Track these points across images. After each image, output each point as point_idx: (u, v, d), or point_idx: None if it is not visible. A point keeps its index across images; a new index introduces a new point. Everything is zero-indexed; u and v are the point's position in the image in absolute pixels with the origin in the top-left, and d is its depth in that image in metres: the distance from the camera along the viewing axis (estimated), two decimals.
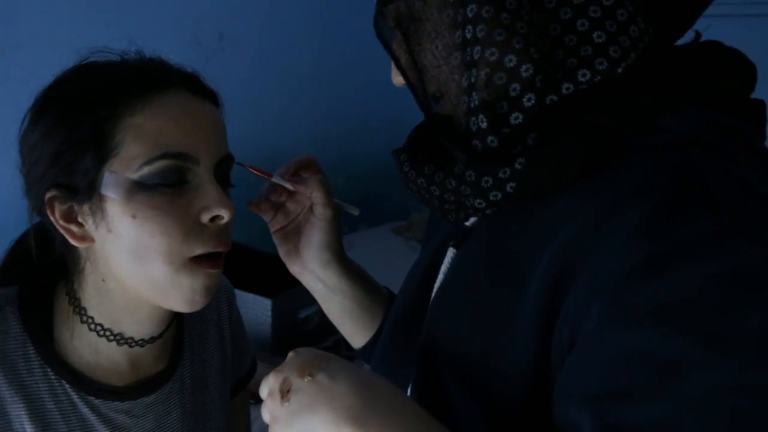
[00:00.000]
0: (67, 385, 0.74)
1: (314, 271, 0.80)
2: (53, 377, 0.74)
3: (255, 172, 0.79)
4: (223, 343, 0.91)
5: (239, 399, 0.97)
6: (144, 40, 0.75)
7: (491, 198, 0.54)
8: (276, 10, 2.17)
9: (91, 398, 0.76)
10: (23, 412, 0.72)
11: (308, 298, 1.33)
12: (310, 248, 0.79)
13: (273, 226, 0.81)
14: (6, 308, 0.73)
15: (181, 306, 0.71)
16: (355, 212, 0.82)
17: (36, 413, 0.73)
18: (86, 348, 0.76)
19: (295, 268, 0.81)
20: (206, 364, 0.88)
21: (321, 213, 0.78)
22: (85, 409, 0.75)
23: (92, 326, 0.75)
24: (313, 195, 0.78)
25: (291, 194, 0.80)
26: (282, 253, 0.81)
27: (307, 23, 2.26)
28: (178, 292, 0.70)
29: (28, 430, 0.73)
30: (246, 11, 2.09)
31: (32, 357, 0.73)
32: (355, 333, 0.84)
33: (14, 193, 0.73)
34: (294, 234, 0.80)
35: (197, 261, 0.70)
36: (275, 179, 0.79)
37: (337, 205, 0.80)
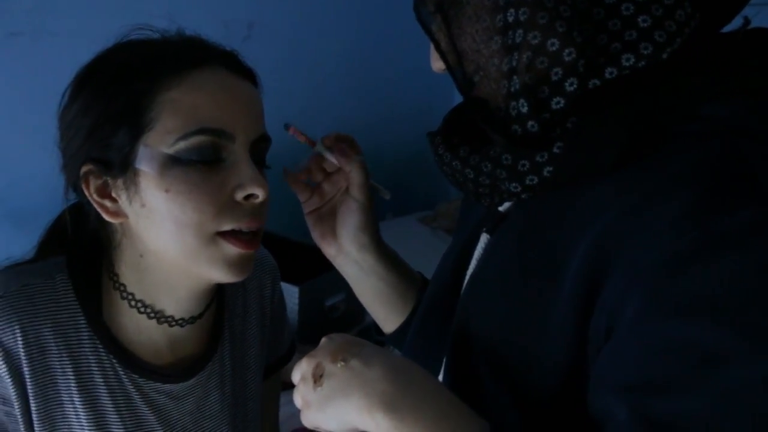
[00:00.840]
0: (114, 360, 0.75)
1: (350, 254, 0.79)
2: (102, 351, 0.75)
3: (299, 137, 0.77)
4: (263, 323, 0.91)
5: (271, 381, 0.97)
6: (173, 27, 0.75)
7: (527, 182, 0.53)
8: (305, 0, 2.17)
9: (136, 377, 0.76)
10: (73, 383, 0.73)
11: (334, 286, 1.34)
12: (348, 230, 0.78)
13: (307, 207, 0.80)
14: (57, 276, 0.74)
15: (220, 276, 0.71)
16: (387, 196, 0.81)
17: (84, 386, 0.74)
18: (128, 324, 0.76)
19: (330, 251, 0.80)
20: (247, 344, 0.89)
21: (358, 194, 0.77)
22: (130, 387, 0.76)
23: (132, 303, 0.76)
24: (352, 175, 0.77)
25: (328, 175, 0.79)
26: (316, 235, 0.80)
27: (336, 13, 2.26)
28: (213, 264, 0.70)
29: (77, 401, 0.74)
30: (275, 0, 2.10)
31: (83, 328, 0.74)
32: (387, 317, 0.83)
33: (55, 178, 0.74)
34: (329, 216, 0.79)
35: (226, 237, 0.69)
36: (318, 147, 0.78)
37: (374, 189, 0.79)
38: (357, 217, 0.77)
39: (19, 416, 0.72)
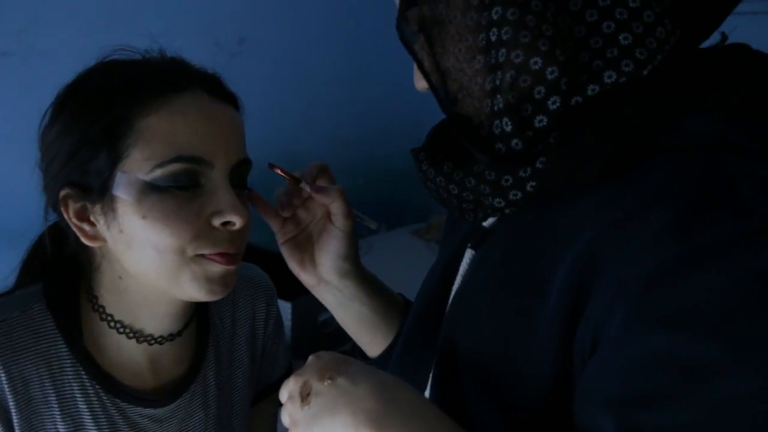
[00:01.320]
0: (97, 386, 0.75)
1: (331, 282, 0.78)
2: (85, 377, 0.74)
3: (283, 174, 0.77)
4: (254, 342, 0.91)
5: (267, 405, 0.96)
6: (164, 43, 0.75)
7: (511, 197, 0.53)
8: (296, 14, 2.18)
9: (118, 401, 0.76)
10: (56, 412, 0.73)
11: None
12: (329, 258, 0.77)
13: (282, 237, 0.79)
14: (35, 306, 0.74)
15: (199, 294, 0.70)
16: (374, 226, 0.80)
17: (69, 413, 0.74)
18: (109, 346, 0.76)
19: (310, 280, 0.79)
20: (235, 364, 0.88)
21: (342, 224, 0.76)
22: (113, 411, 0.76)
23: (111, 324, 0.75)
24: (334, 205, 0.75)
25: (303, 202, 0.79)
26: (293, 264, 0.79)
27: (326, 27, 2.27)
28: (193, 284, 0.69)
29: (61, 429, 0.73)
30: (266, 15, 2.11)
31: (64, 356, 0.74)
32: (371, 342, 0.83)
33: (39, 197, 0.74)
34: (306, 244, 0.79)
35: (207, 256, 0.69)
36: (303, 185, 0.77)
37: (355, 217, 0.78)
38: (339, 245, 0.76)
39: None
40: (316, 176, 0.78)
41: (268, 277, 0.94)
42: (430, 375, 0.64)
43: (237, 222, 0.69)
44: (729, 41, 0.56)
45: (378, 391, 0.53)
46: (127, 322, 0.76)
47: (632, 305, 0.46)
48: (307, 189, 0.77)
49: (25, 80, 1.60)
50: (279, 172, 0.77)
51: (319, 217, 0.78)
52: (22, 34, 1.61)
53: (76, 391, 0.74)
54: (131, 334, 0.76)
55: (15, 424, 0.71)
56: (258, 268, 0.94)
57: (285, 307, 1.59)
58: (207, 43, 1.96)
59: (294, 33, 2.19)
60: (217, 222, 0.69)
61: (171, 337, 0.79)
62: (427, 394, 0.64)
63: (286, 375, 0.96)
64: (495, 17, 0.51)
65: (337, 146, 2.34)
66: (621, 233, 0.48)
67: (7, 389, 0.70)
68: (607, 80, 0.50)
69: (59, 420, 0.73)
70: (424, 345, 0.67)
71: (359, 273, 0.79)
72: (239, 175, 0.72)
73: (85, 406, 0.74)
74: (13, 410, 0.71)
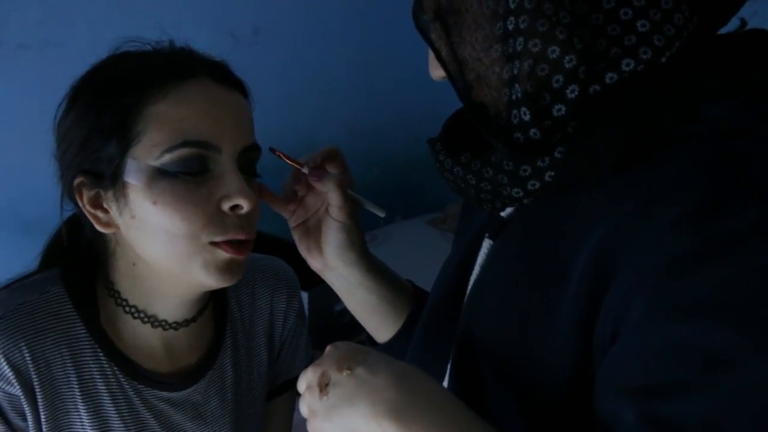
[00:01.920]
0: (115, 368, 0.76)
1: (337, 269, 0.79)
2: (103, 358, 0.76)
3: (286, 159, 0.77)
4: (272, 334, 0.91)
5: (284, 399, 0.96)
6: (179, 34, 0.76)
7: (529, 187, 0.53)
8: (310, 4, 2.18)
9: (136, 383, 0.78)
10: (77, 393, 0.75)
11: None
12: (331, 248, 0.77)
13: (293, 222, 0.80)
14: (51, 289, 0.75)
15: (210, 281, 0.71)
16: (381, 214, 0.79)
17: (88, 393, 0.75)
18: (125, 330, 0.78)
19: (316, 265, 0.80)
20: (252, 353, 0.89)
21: (337, 215, 0.76)
22: (131, 393, 0.77)
23: (127, 308, 0.77)
24: (329, 195, 0.75)
25: (310, 188, 0.78)
26: (302, 249, 0.80)
27: (341, 17, 2.27)
28: (204, 270, 0.70)
29: (81, 409, 0.75)
30: (281, 5, 2.11)
31: (83, 337, 0.75)
32: (379, 328, 0.83)
33: (56, 187, 0.75)
34: (315, 230, 0.79)
35: (219, 245, 0.70)
36: (305, 170, 0.77)
37: (361, 205, 0.78)
38: (339, 236, 0.76)
39: (32, 430, 0.73)
40: (322, 162, 0.78)
41: (293, 271, 0.95)
42: (449, 365, 0.64)
43: (245, 205, 0.70)
44: (749, 27, 0.55)
45: (397, 381, 0.53)
46: (141, 307, 0.77)
47: (652, 295, 0.45)
48: (305, 174, 0.77)
49: (42, 72, 1.61)
50: (281, 156, 0.77)
51: (322, 205, 0.78)
52: (39, 26, 1.62)
53: (95, 372, 0.76)
54: (146, 319, 0.77)
55: (39, 405, 0.73)
56: (283, 262, 0.95)
57: (301, 297, 1.60)
58: (222, 33, 1.96)
59: (309, 23, 2.19)
60: (225, 206, 0.70)
61: (185, 323, 0.80)
62: (445, 383, 0.65)
63: None
64: (512, 6, 0.50)
65: (352, 136, 2.34)
66: (640, 222, 0.48)
67: (31, 368, 0.72)
68: (625, 68, 0.50)
69: (80, 400, 0.75)
70: (443, 335, 0.67)
71: (364, 261, 0.79)
72: (248, 160, 0.73)
73: (104, 387, 0.76)
74: (37, 389, 0.73)
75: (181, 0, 1.84)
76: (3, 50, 1.60)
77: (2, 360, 0.71)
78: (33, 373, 0.72)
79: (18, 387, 0.71)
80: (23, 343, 0.72)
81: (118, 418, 0.77)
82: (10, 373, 0.71)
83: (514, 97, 0.52)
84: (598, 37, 0.50)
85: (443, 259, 0.77)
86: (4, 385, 0.71)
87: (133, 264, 0.74)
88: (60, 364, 0.74)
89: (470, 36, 0.54)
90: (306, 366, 0.95)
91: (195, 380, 0.82)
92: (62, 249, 0.79)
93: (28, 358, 0.72)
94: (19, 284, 0.76)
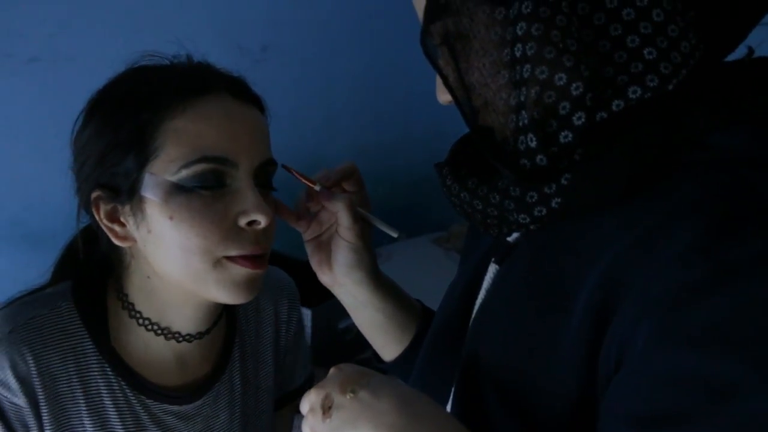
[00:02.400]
0: (123, 383, 0.76)
1: (345, 285, 0.79)
2: (110, 374, 0.76)
3: (299, 177, 0.77)
4: (278, 344, 0.92)
5: (286, 411, 0.96)
6: (189, 50, 0.76)
7: (536, 213, 0.53)
8: (319, 22, 2.19)
9: (144, 398, 0.78)
10: (83, 408, 0.75)
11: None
12: (340, 266, 0.77)
13: (307, 236, 0.80)
14: (62, 304, 0.76)
15: (225, 298, 0.72)
16: (394, 234, 0.79)
17: (94, 409, 0.75)
18: (136, 343, 0.78)
19: (326, 280, 0.80)
20: (260, 364, 0.89)
21: (345, 235, 0.76)
22: (138, 408, 0.77)
23: (140, 321, 0.77)
24: (338, 215, 0.76)
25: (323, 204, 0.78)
26: (313, 263, 0.80)
27: (349, 35, 2.28)
28: (220, 286, 0.71)
29: (87, 425, 0.75)
30: (289, 23, 2.12)
31: (90, 353, 0.75)
32: (386, 346, 0.83)
33: (71, 201, 0.75)
34: (327, 245, 0.79)
35: (233, 259, 0.70)
36: (317, 188, 0.77)
37: (374, 225, 0.79)
38: (348, 255, 0.76)
39: None
40: (335, 180, 0.78)
41: (291, 280, 0.95)
42: (452, 389, 0.64)
43: (262, 221, 0.70)
44: (757, 54, 0.55)
45: (400, 405, 0.53)
46: (155, 319, 0.77)
47: (657, 323, 0.45)
48: (315, 192, 0.77)
49: (53, 85, 1.63)
50: (295, 174, 0.77)
51: (334, 222, 0.78)
52: (50, 40, 1.64)
53: (102, 387, 0.75)
54: (159, 331, 0.77)
55: (44, 419, 0.73)
56: (282, 272, 0.96)
57: (305, 314, 1.60)
58: (231, 50, 1.97)
59: (316, 41, 2.20)
60: (242, 222, 0.70)
61: (199, 335, 0.80)
62: (448, 407, 0.64)
63: (308, 382, 0.97)
64: (519, 32, 0.50)
65: (358, 154, 2.34)
66: (646, 251, 0.48)
67: (37, 382, 0.72)
68: (631, 95, 0.50)
69: (85, 415, 0.75)
70: (447, 358, 0.67)
71: (373, 280, 0.79)
72: (264, 175, 0.74)
73: (110, 402, 0.76)
74: (42, 402, 0.73)
75: (190, 16, 1.86)
76: (15, 63, 1.61)
77: (9, 372, 0.71)
78: (38, 386, 0.72)
79: (23, 398, 0.72)
80: (30, 357, 0.72)
81: None
82: (16, 385, 0.71)
83: (521, 124, 0.52)
84: (605, 65, 0.50)
85: (447, 278, 0.77)
86: (10, 396, 0.71)
87: (148, 277, 0.75)
88: (66, 379, 0.74)
89: (478, 62, 0.54)
90: (307, 381, 0.96)
91: (204, 393, 0.82)
92: (75, 261, 0.79)
93: (33, 372, 0.72)
94: (30, 298, 0.77)
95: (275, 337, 0.91)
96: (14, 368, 0.71)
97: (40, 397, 0.72)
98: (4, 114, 1.61)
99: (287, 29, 2.12)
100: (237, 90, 0.73)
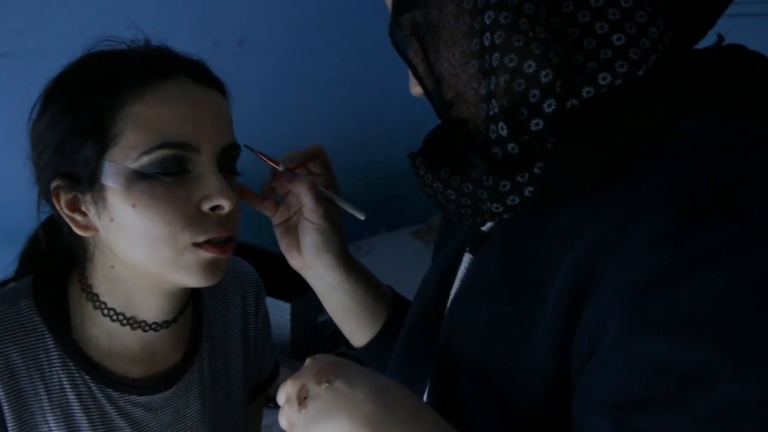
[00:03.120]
0: (87, 377, 0.75)
1: (314, 268, 0.79)
2: (73, 368, 0.75)
3: (262, 157, 0.77)
4: (247, 336, 0.91)
5: (257, 403, 0.96)
6: (141, 37, 0.75)
7: (509, 202, 0.53)
8: (294, 16, 2.18)
9: (110, 391, 0.76)
10: (46, 404, 0.74)
11: None
12: (308, 249, 0.77)
13: (275, 220, 0.80)
14: (21, 301, 0.74)
15: (192, 282, 0.71)
16: (361, 216, 0.79)
17: (58, 405, 0.74)
18: (101, 335, 0.77)
19: (295, 263, 0.80)
20: (229, 356, 0.88)
21: (309, 216, 0.76)
22: (104, 401, 0.76)
23: (105, 311, 0.76)
24: (302, 197, 0.76)
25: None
26: (282, 246, 0.80)
27: (325, 29, 2.27)
28: (187, 271, 0.70)
29: (51, 422, 0.74)
30: (265, 17, 2.11)
31: (51, 349, 0.74)
32: (355, 331, 0.83)
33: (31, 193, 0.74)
34: (295, 229, 0.79)
35: (201, 245, 0.70)
36: (281, 168, 0.77)
37: (341, 208, 0.78)
38: (315, 237, 0.77)
39: None
40: (299, 161, 0.78)
41: (254, 271, 0.95)
42: (428, 379, 0.64)
43: (226, 205, 0.69)
44: (727, 42, 0.56)
45: (376, 394, 0.53)
46: (120, 309, 0.76)
47: (629, 311, 0.46)
48: (278, 175, 0.77)
49: (24, 81, 1.59)
50: (257, 154, 0.76)
51: (300, 206, 0.78)
52: (21, 35, 1.61)
53: (65, 382, 0.74)
54: (125, 321, 0.76)
55: (6, 417, 0.72)
56: (246, 263, 0.95)
57: (284, 308, 1.59)
58: (206, 44, 1.95)
59: (293, 35, 2.19)
60: (206, 207, 0.69)
61: (165, 324, 0.79)
62: (424, 398, 0.64)
63: (274, 373, 0.96)
64: (488, 21, 0.50)
65: (336, 148, 2.31)
66: (617, 239, 0.48)
67: None
68: (601, 82, 0.50)
69: (48, 411, 0.74)
70: (423, 349, 0.67)
71: (343, 263, 0.79)
72: (228, 159, 0.73)
73: (74, 397, 0.75)
74: (3, 401, 0.71)
75: (165, 11, 1.84)
76: None
77: None
78: None
79: None
80: None
81: (90, 429, 0.75)
82: None
83: (491, 112, 0.52)
84: (574, 52, 0.50)
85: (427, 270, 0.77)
86: None
87: (112, 267, 0.74)
88: (27, 376, 0.73)
89: (447, 52, 0.54)
90: (274, 372, 0.95)
91: (173, 382, 0.81)
92: (38, 253, 0.78)
93: None
94: None
95: (244, 329, 0.90)
96: None
97: (2, 396, 0.71)
98: None
99: (263, 23, 2.11)
100: (197, 73, 0.72)
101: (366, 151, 2.44)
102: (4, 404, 0.72)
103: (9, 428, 0.72)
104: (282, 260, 0.81)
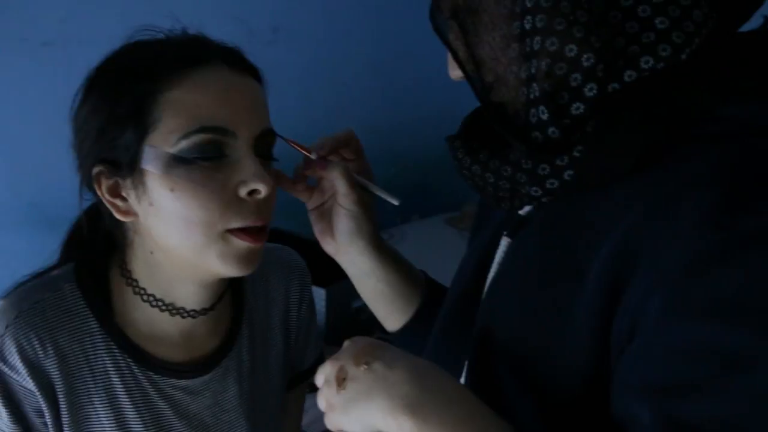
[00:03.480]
0: (129, 359, 0.77)
1: (348, 254, 0.79)
2: (116, 351, 0.77)
3: (295, 146, 0.77)
4: (288, 325, 0.92)
5: (296, 392, 0.97)
6: (184, 24, 0.76)
7: (548, 186, 0.53)
8: (328, 3, 2.18)
9: (151, 374, 0.78)
10: (91, 386, 0.76)
11: None
12: (342, 234, 0.78)
13: (310, 205, 0.81)
14: (65, 286, 0.76)
15: (226, 271, 0.72)
16: (395, 202, 0.79)
17: (102, 387, 0.76)
18: (142, 319, 0.78)
19: (329, 248, 0.80)
20: (268, 344, 0.89)
21: (343, 201, 0.76)
22: (146, 384, 0.78)
23: (145, 297, 0.78)
24: (335, 183, 0.76)
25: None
26: (317, 231, 0.80)
27: (359, 16, 2.27)
28: (222, 260, 0.71)
29: (96, 402, 0.76)
30: (299, 5, 2.11)
31: (95, 332, 0.76)
32: (388, 316, 0.83)
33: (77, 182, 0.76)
34: (329, 214, 0.79)
35: (235, 233, 0.70)
36: (314, 156, 0.78)
37: (374, 193, 0.79)
38: (348, 223, 0.77)
39: (51, 425, 0.75)
40: (330, 147, 0.79)
41: (303, 262, 0.95)
42: (466, 363, 0.65)
43: (263, 190, 0.70)
44: None
45: (414, 376, 0.54)
46: (159, 295, 0.78)
47: (670, 294, 0.45)
48: (310, 161, 0.78)
49: (65, 69, 1.62)
50: (291, 143, 0.77)
51: (333, 191, 0.78)
52: (63, 23, 1.64)
53: (109, 365, 0.76)
54: (164, 307, 0.78)
55: (60, 400, 0.74)
56: (294, 252, 0.96)
57: (319, 293, 1.61)
58: (241, 32, 1.96)
59: (327, 22, 2.19)
60: (243, 192, 0.70)
61: (203, 311, 0.80)
62: (462, 380, 0.65)
63: (318, 362, 0.97)
64: (529, 5, 0.50)
65: (369, 134, 2.31)
66: (659, 222, 0.48)
67: (47, 366, 0.73)
68: (644, 65, 0.49)
69: (94, 393, 0.76)
70: (460, 332, 0.67)
71: (376, 249, 0.79)
72: (264, 145, 0.74)
73: (117, 379, 0.77)
74: (57, 385, 0.74)
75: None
76: (29, 47, 1.62)
77: (17, 356, 0.72)
78: (48, 368, 0.73)
79: (32, 383, 0.73)
80: (36, 340, 0.73)
81: (133, 410, 0.77)
82: (24, 369, 0.72)
83: (532, 96, 0.52)
84: (616, 35, 0.49)
85: (460, 257, 0.77)
86: (20, 380, 0.73)
87: (151, 252, 0.75)
88: (73, 359, 0.75)
89: (487, 36, 0.54)
90: (317, 362, 0.96)
91: (212, 367, 0.82)
92: (80, 241, 0.80)
93: (41, 356, 0.73)
94: (34, 282, 0.78)
95: (285, 318, 0.91)
96: (21, 353, 0.72)
97: (56, 378, 0.74)
98: (19, 98, 1.62)
99: (298, 11, 2.12)
100: (233, 60, 0.73)
101: (399, 137, 2.43)
102: (58, 387, 0.74)
103: (62, 412, 0.75)
104: (317, 246, 0.81)
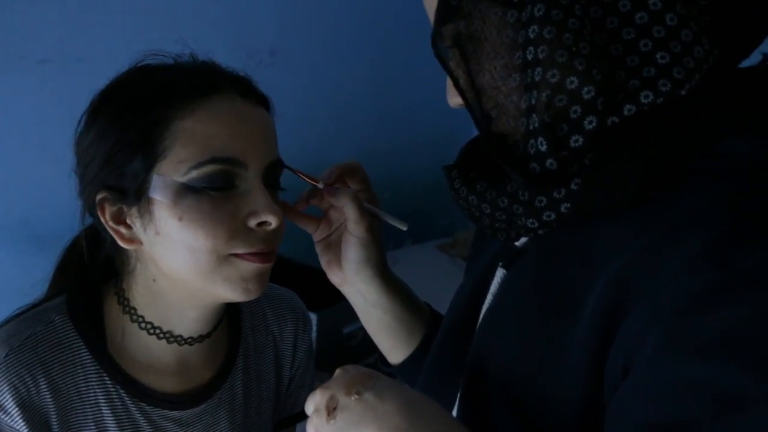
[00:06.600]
0: (122, 391, 0.76)
1: (354, 284, 0.79)
2: (109, 382, 0.75)
3: (302, 176, 0.77)
4: (281, 365, 0.91)
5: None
6: (192, 49, 0.76)
7: (544, 218, 0.53)
8: (327, 26, 2.20)
9: (143, 404, 0.77)
10: (81, 418, 0.74)
11: (352, 314, 1.33)
12: (349, 263, 0.77)
13: (317, 236, 0.80)
14: (56, 318, 0.75)
15: (233, 295, 0.71)
16: (403, 227, 0.78)
17: (93, 419, 0.75)
18: (137, 348, 0.77)
19: (335, 279, 0.80)
20: (261, 378, 0.88)
21: (353, 229, 0.75)
22: (137, 415, 0.77)
23: (143, 324, 0.76)
24: (345, 210, 0.75)
25: (330, 203, 0.78)
26: (323, 262, 0.80)
27: (357, 40, 2.28)
28: (228, 284, 0.70)
29: None
30: (297, 28, 2.12)
31: (87, 363, 0.75)
32: (393, 348, 0.83)
33: (76, 202, 0.75)
34: (336, 244, 0.79)
35: (241, 256, 0.70)
36: (321, 185, 0.77)
37: (382, 220, 0.78)
38: (357, 251, 0.76)
39: None
40: (337, 176, 0.78)
41: (302, 304, 0.95)
42: (458, 394, 0.64)
43: (273, 222, 0.70)
44: None
45: (405, 407, 0.53)
46: (157, 323, 0.77)
47: (666, 332, 0.45)
48: (319, 190, 0.77)
49: (63, 87, 1.63)
50: (297, 173, 0.76)
51: (342, 221, 0.78)
52: (60, 42, 1.65)
53: (100, 397, 0.75)
54: (161, 335, 0.77)
55: None
56: (297, 296, 0.95)
57: (310, 318, 1.59)
58: (239, 54, 1.97)
59: (324, 46, 2.20)
60: (252, 223, 0.69)
61: (200, 338, 0.79)
62: (454, 413, 0.64)
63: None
64: (532, 35, 0.50)
65: (366, 158, 2.32)
66: (655, 258, 0.47)
67: (41, 402, 0.72)
68: (643, 100, 0.49)
69: (84, 426, 0.75)
70: (453, 363, 0.67)
71: (383, 279, 0.79)
72: (273, 175, 0.73)
73: (108, 411, 0.75)
74: (53, 420, 0.73)
75: (198, 20, 1.86)
76: (26, 64, 1.62)
77: (8, 396, 0.71)
78: (44, 406, 0.72)
79: (24, 424, 0.71)
80: (30, 379, 0.72)
81: None
82: (15, 410, 0.71)
83: (531, 127, 0.52)
84: (617, 69, 0.49)
85: (452, 284, 0.77)
86: (9, 420, 0.71)
87: (154, 280, 0.74)
88: (66, 393, 0.74)
89: (489, 64, 0.54)
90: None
91: (205, 399, 0.81)
92: (76, 265, 0.79)
93: (33, 393, 0.72)
94: (25, 315, 0.76)
95: (277, 357, 0.90)
96: (13, 393, 0.71)
97: (51, 413, 0.72)
98: (15, 115, 1.62)
99: (296, 34, 2.13)
100: (245, 89, 0.73)
101: (395, 162, 2.44)
102: (53, 421, 0.73)
103: None
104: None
